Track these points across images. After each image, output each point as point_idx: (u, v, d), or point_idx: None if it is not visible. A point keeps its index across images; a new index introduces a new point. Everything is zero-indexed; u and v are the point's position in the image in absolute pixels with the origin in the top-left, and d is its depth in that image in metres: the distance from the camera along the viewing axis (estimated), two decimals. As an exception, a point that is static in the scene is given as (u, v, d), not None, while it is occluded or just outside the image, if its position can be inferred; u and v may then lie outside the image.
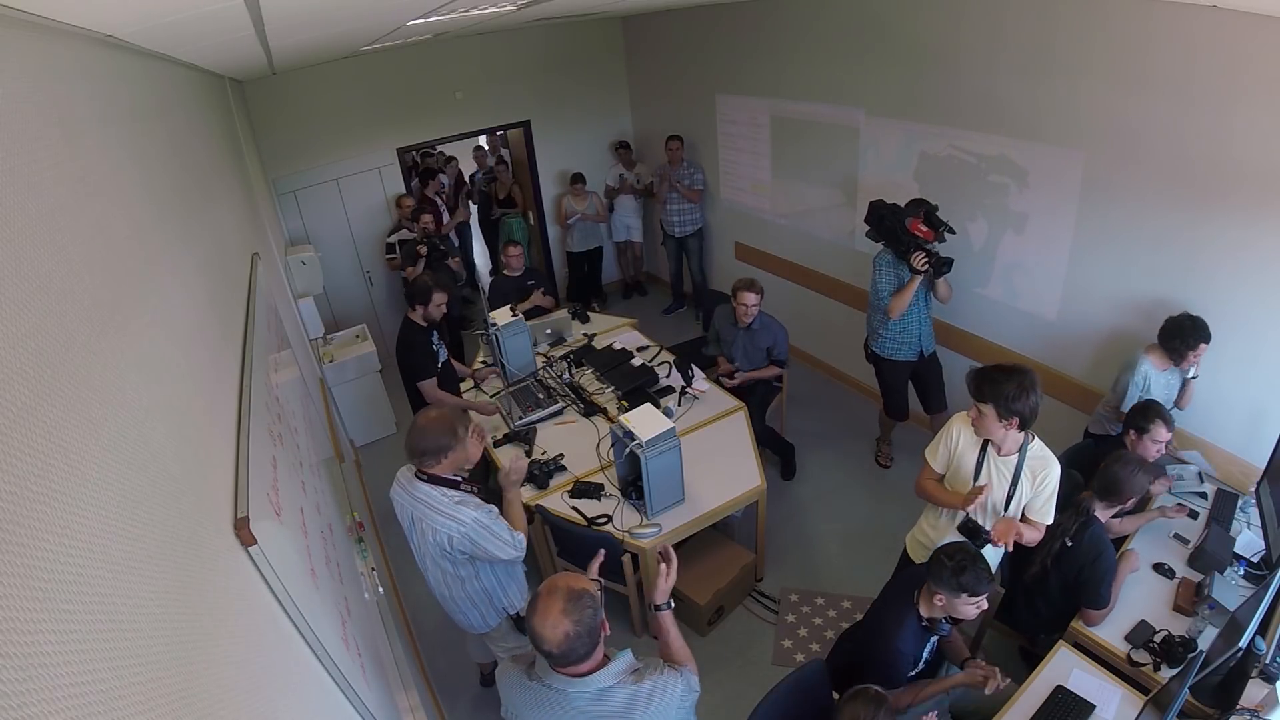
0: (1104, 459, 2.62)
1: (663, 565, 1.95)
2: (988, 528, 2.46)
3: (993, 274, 3.95)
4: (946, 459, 2.58)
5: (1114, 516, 2.63)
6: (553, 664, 1.63)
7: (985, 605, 2.17)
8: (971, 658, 2.47)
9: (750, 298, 4.00)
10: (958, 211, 3.82)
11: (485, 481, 3.72)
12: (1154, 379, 3.01)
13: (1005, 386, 2.28)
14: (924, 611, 2.24)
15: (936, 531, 2.67)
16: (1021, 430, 2.36)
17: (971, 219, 3.92)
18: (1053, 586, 2.57)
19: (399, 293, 5.97)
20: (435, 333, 3.87)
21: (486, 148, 8.63)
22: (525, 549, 2.41)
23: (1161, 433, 2.75)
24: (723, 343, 4.30)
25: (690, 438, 3.59)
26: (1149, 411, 2.78)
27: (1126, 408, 3.00)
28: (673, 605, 1.98)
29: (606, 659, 1.68)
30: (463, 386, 4.22)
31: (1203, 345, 2.89)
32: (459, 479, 2.40)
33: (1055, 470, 2.40)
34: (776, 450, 4.44)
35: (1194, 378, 3.01)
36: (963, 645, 2.53)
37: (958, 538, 2.56)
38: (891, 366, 4.05)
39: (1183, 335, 2.89)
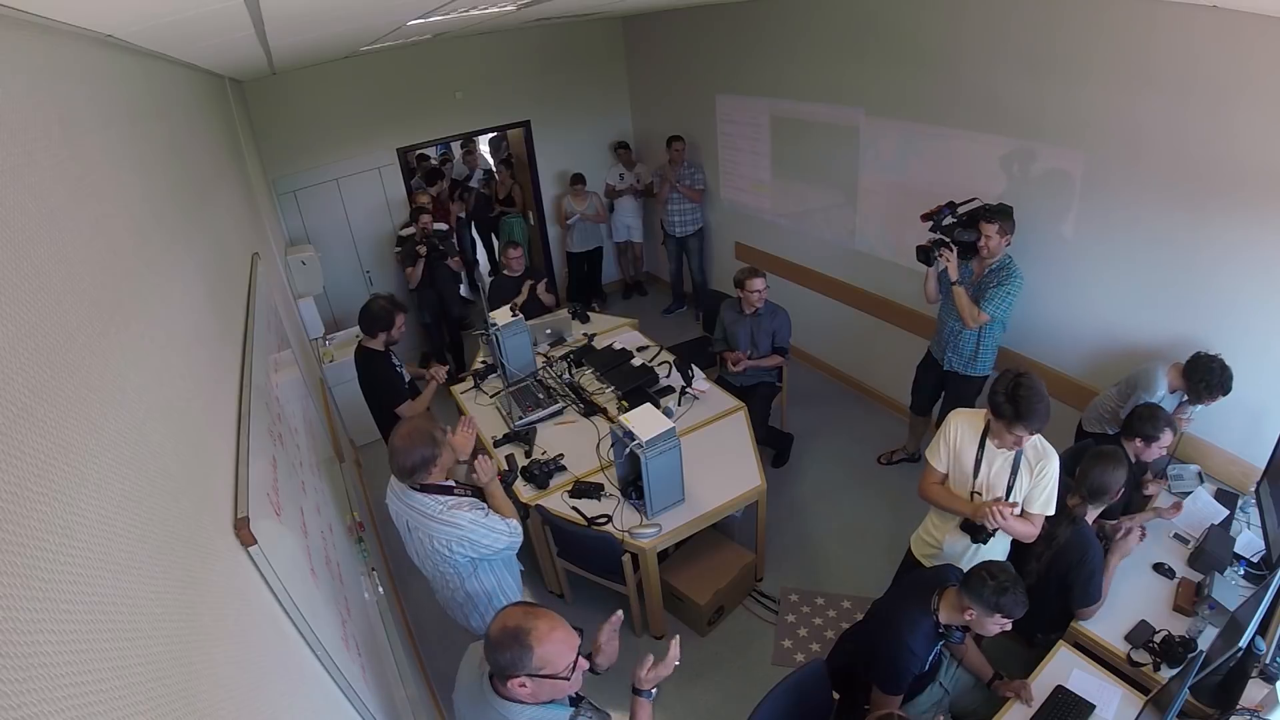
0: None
1: (650, 656, 1.80)
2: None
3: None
4: (948, 457, 2.57)
5: (1106, 517, 2.63)
6: (489, 659, 1.64)
7: (1009, 627, 2.14)
8: (1000, 676, 2.43)
9: (758, 283, 4.03)
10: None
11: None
12: (1166, 400, 2.99)
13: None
14: (943, 618, 2.22)
15: (940, 530, 2.67)
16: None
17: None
18: (1043, 586, 2.57)
19: (400, 292, 5.96)
20: (392, 353, 3.69)
21: (482, 151, 8.60)
22: (522, 533, 2.41)
23: (1168, 438, 2.74)
24: (729, 335, 4.31)
25: (690, 438, 3.59)
26: (1158, 420, 2.72)
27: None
28: (655, 695, 1.82)
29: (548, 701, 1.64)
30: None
31: (1220, 396, 2.85)
32: (451, 484, 2.38)
33: (1054, 462, 2.39)
34: (774, 443, 4.44)
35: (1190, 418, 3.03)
36: (985, 662, 2.49)
37: (961, 535, 2.57)
38: (925, 354, 3.98)
39: (1209, 383, 2.84)
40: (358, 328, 5.33)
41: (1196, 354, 2.91)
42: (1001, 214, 3.36)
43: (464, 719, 1.75)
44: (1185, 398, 2.99)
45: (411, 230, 5.62)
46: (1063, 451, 2.60)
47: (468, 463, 2.46)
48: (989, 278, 3.44)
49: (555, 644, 1.55)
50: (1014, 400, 2.25)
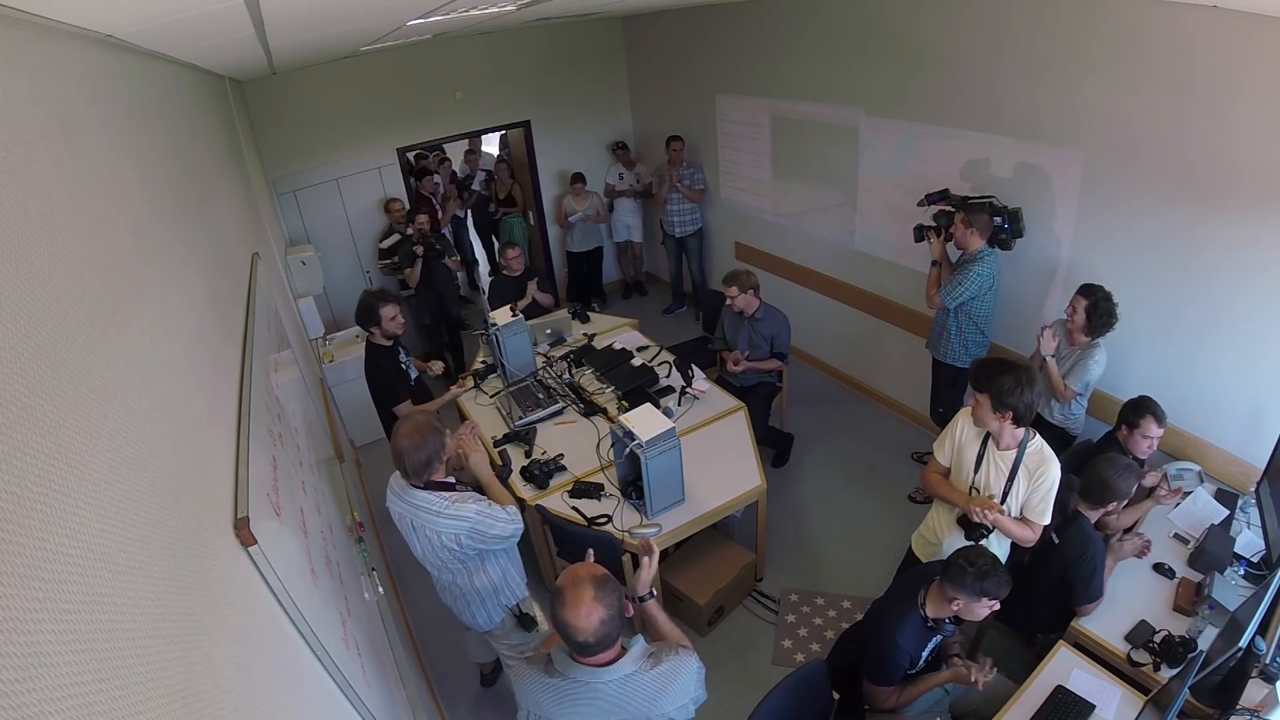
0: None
1: (645, 558, 1.98)
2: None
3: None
4: (951, 451, 2.60)
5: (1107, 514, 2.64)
6: (581, 654, 1.64)
7: (997, 606, 2.17)
8: (958, 655, 2.46)
9: (732, 290, 4.04)
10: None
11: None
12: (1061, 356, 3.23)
13: (1002, 380, 2.30)
14: (930, 612, 2.23)
15: (940, 529, 2.68)
16: (1017, 426, 2.37)
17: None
18: (1044, 585, 2.57)
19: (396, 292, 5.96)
20: (402, 350, 3.69)
21: (479, 151, 8.58)
22: (521, 520, 2.44)
23: (1153, 429, 2.75)
24: (729, 337, 4.31)
25: (690, 438, 3.59)
26: (1139, 407, 2.78)
27: (1079, 386, 3.13)
28: (655, 594, 2.01)
29: (624, 648, 1.70)
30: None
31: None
32: (453, 481, 2.41)
33: (1053, 469, 2.39)
34: (774, 443, 4.44)
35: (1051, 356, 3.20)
36: (952, 642, 2.53)
37: (961, 531, 2.57)
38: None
39: (1111, 310, 3.04)
40: (359, 327, 5.42)
41: (1095, 293, 3.05)
42: (969, 208, 3.50)
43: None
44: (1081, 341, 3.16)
45: (393, 240, 5.63)
46: (1064, 454, 2.60)
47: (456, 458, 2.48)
48: (957, 267, 3.60)
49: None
50: (980, 367, 2.45)
